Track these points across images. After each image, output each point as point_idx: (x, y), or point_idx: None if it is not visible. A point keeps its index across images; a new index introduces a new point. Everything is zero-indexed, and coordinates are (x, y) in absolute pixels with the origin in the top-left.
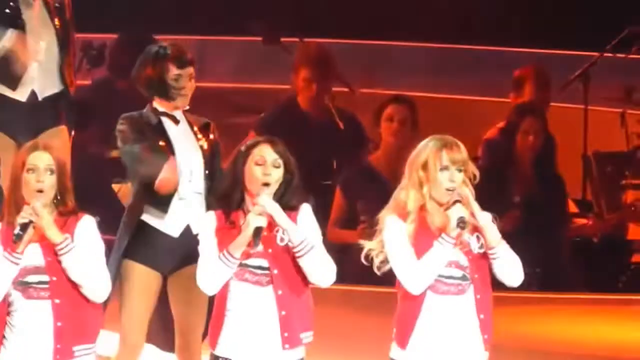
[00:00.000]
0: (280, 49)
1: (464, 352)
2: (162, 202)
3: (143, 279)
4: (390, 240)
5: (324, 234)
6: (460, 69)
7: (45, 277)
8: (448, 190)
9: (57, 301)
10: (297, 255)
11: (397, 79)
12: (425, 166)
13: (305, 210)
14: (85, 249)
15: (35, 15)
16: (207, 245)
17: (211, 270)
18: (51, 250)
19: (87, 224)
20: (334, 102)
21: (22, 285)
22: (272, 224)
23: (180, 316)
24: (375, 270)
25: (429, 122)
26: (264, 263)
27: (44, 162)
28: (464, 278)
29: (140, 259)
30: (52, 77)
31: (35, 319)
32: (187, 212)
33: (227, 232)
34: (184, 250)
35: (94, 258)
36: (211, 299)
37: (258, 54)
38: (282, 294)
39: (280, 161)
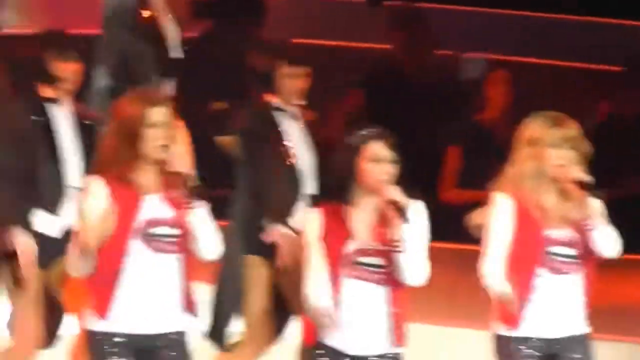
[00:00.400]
0: (383, 11)
1: (571, 329)
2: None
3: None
4: (492, 220)
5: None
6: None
7: (175, 231)
8: (557, 167)
9: (181, 256)
10: (394, 250)
11: (498, 44)
12: (535, 142)
13: (419, 206)
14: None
15: None
16: (314, 255)
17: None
18: (177, 204)
19: None
20: (438, 65)
21: (148, 236)
22: (386, 221)
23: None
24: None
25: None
26: (379, 261)
27: (166, 117)
28: (576, 257)
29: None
30: None
31: (159, 272)
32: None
33: (333, 227)
34: None
35: (208, 217)
36: None
37: (362, 15)
38: (395, 292)
39: (395, 156)
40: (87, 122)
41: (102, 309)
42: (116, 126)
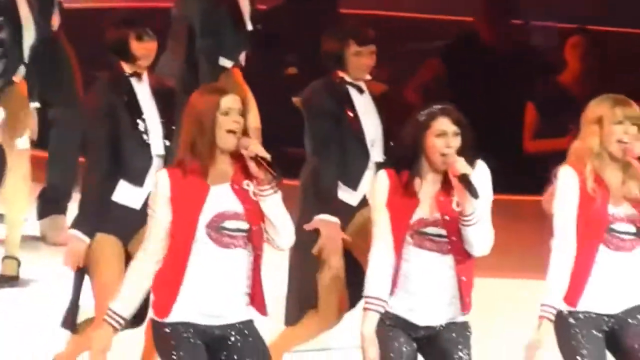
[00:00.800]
0: None
1: (629, 306)
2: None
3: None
4: (559, 195)
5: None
6: None
7: (244, 225)
8: (621, 142)
9: (249, 250)
10: (463, 224)
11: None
12: (600, 121)
13: (481, 167)
14: None
15: None
16: (380, 219)
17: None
18: (245, 196)
19: None
20: (514, 35)
21: (217, 230)
22: (448, 190)
23: None
24: None
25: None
26: (443, 231)
27: (238, 104)
28: (637, 234)
29: None
30: None
31: (226, 266)
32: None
33: (400, 195)
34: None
35: (281, 205)
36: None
37: None
38: (461, 260)
39: (459, 130)
40: (164, 92)
41: (168, 301)
42: (190, 118)
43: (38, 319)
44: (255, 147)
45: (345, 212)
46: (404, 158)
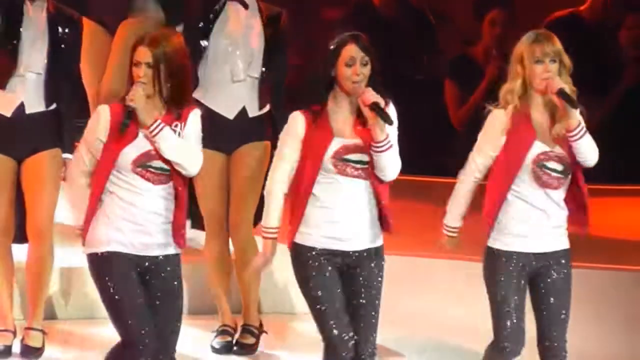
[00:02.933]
0: None
1: (551, 241)
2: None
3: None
4: (481, 133)
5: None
6: None
7: (167, 165)
8: (542, 80)
9: (172, 187)
10: (375, 150)
11: None
12: (521, 60)
13: (391, 106)
14: (187, 134)
15: None
16: (287, 148)
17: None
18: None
19: (194, 114)
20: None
21: (144, 167)
22: (366, 122)
23: (236, 194)
24: None
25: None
26: (364, 157)
27: (146, 58)
28: (564, 172)
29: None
30: None
31: (147, 201)
32: (241, 93)
33: (317, 127)
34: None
35: (190, 141)
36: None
37: None
38: (379, 185)
39: (367, 58)
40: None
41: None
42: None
43: None
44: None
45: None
46: (318, 88)
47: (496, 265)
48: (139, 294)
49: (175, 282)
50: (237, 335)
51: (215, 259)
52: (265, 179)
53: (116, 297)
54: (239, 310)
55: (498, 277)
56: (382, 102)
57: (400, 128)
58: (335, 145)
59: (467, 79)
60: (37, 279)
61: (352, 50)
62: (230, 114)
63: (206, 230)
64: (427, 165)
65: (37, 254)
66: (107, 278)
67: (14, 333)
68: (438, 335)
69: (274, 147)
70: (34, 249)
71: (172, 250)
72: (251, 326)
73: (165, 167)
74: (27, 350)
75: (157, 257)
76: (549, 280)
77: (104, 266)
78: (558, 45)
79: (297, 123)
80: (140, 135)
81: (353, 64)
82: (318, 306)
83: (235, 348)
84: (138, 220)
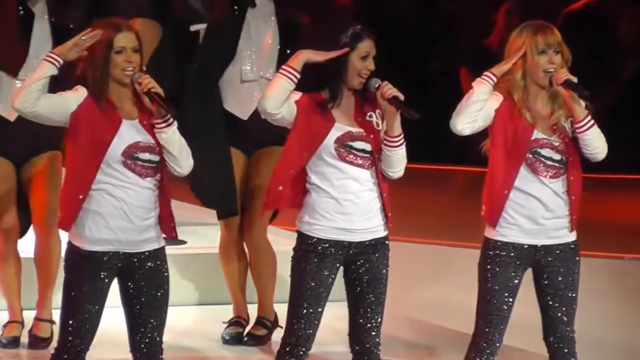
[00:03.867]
0: None
1: (552, 233)
2: None
3: None
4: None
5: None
6: None
7: (155, 157)
8: (547, 72)
9: (158, 180)
10: (390, 145)
11: None
12: (522, 51)
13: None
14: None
15: None
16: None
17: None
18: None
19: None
20: None
21: (132, 159)
22: (369, 109)
23: (251, 198)
24: None
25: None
26: (367, 147)
27: (132, 43)
28: (561, 162)
29: None
30: None
31: (136, 195)
32: (253, 94)
33: (317, 113)
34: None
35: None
36: None
37: None
38: (382, 178)
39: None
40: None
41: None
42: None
43: None
44: (148, 82)
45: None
46: (325, 77)
47: (491, 256)
48: (96, 304)
49: (166, 274)
50: (249, 327)
51: (227, 252)
52: None
53: (73, 294)
54: (253, 300)
55: (492, 268)
56: (402, 96)
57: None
58: (338, 131)
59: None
60: (46, 271)
61: (368, 46)
62: (244, 114)
63: (220, 224)
64: (443, 153)
65: (45, 247)
66: (76, 275)
67: (22, 324)
68: (452, 324)
69: None
70: (41, 242)
71: (158, 244)
72: (265, 319)
73: (154, 159)
74: (35, 340)
75: (143, 252)
76: (552, 272)
77: (80, 263)
78: (559, 36)
79: (295, 95)
80: (124, 126)
81: (367, 58)
82: (299, 301)
83: (245, 339)
84: (128, 216)
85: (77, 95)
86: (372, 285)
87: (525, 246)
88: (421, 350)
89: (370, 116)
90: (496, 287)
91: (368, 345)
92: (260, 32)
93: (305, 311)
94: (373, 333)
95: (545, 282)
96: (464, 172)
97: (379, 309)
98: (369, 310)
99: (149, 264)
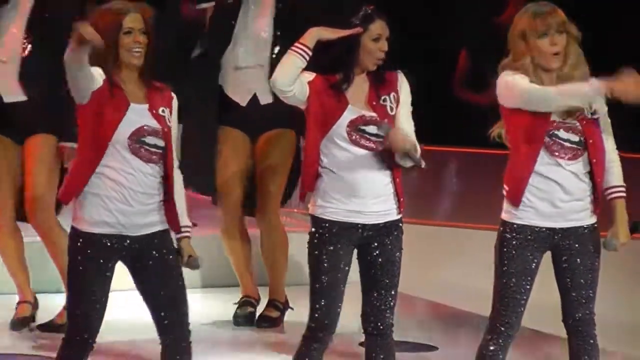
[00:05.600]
0: None
1: (572, 214)
2: None
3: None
4: (511, 78)
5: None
6: None
7: (161, 142)
8: (554, 55)
9: (162, 169)
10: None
11: None
12: (524, 36)
13: (402, 76)
14: (173, 125)
15: None
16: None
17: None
18: (161, 118)
19: (176, 103)
20: None
21: (139, 143)
22: (384, 92)
23: (260, 182)
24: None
25: None
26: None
27: (140, 24)
28: (579, 143)
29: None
30: None
31: (136, 180)
32: (249, 80)
33: (330, 95)
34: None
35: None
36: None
37: None
38: (394, 164)
39: (389, 35)
40: None
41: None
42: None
43: None
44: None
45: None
46: (338, 60)
47: (508, 238)
48: (101, 287)
49: (171, 256)
50: (262, 310)
51: (228, 232)
52: (290, 168)
53: (77, 277)
54: (263, 282)
55: (509, 251)
56: (417, 151)
57: (425, 98)
58: (351, 114)
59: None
60: (55, 249)
61: (380, 27)
62: (242, 100)
63: (221, 207)
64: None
65: (43, 229)
66: (79, 258)
67: (33, 305)
68: (466, 306)
69: (301, 134)
70: (37, 225)
71: (162, 226)
72: (276, 301)
73: (159, 144)
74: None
75: (147, 235)
76: (572, 255)
77: (81, 246)
78: (562, 15)
79: (308, 76)
80: (132, 109)
81: (379, 39)
82: (318, 285)
83: (258, 321)
84: (127, 200)
85: (100, 77)
86: (385, 268)
87: (543, 229)
88: (435, 332)
89: (385, 100)
90: (512, 271)
91: (382, 327)
92: (254, 18)
93: (324, 296)
94: (387, 315)
95: (564, 265)
96: (479, 155)
97: (393, 291)
98: (382, 292)
99: (157, 246)
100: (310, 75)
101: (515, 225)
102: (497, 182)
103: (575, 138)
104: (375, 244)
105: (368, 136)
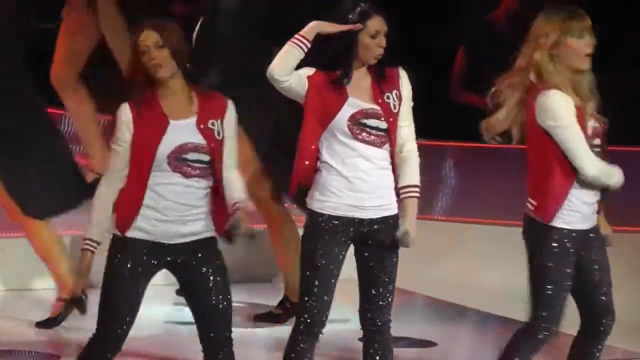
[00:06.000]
0: None
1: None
2: None
3: None
4: (565, 118)
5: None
6: None
7: (205, 157)
8: (587, 56)
9: (209, 183)
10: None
11: None
12: (557, 37)
13: (404, 73)
14: (227, 135)
15: None
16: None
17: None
18: (208, 133)
19: (232, 109)
20: None
21: (180, 161)
22: (386, 88)
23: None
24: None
25: None
26: (382, 125)
27: (153, 39)
28: (601, 147)
29: None
30: None
31: (174, 194)
32: None
33: (330, 90)
34: None
35: (232, 143)
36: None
37: None
38: (394, 154)
39: (387, 31)
40: None
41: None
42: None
43: None
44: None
45: None
46: (336, 57)
47: (555, 244)
48: (135, 291)
49: (218, 262)
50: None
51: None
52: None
53: (112, 281)
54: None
55: (557, 256)
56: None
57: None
58: (351, 107)
59: (484, 48)
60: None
61: (378, 23)
62: None
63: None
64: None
65: (35, 237)
66: (116, 260)
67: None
68: (464, 301)
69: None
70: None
71: (208, 234)
72: (287, 300)
73: (204, 159)
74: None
75: (186, 243)
76: (590, 252)
77: (119, 248)
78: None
79: (308, 71)
80: (172, 127)
81: (377, 36)
82: (311, 278)
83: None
84: (162, 211)
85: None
86: (383, 264)
87: (580, 231)
88: (433, 328)
89: (388, 97)
90: (557, 277)
91: (380, 323)
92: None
93: (316, 289)
94: (384, 311)
95: (583, 262)
96: (477, 149)
97: (391, 287)
98: (380, 288)
99: (197, 253)
100: (310, 70)
101: (564, 230)
102: (495, 176)
103: (597, 141)
104: (373, 239)
105: (369, 130)
